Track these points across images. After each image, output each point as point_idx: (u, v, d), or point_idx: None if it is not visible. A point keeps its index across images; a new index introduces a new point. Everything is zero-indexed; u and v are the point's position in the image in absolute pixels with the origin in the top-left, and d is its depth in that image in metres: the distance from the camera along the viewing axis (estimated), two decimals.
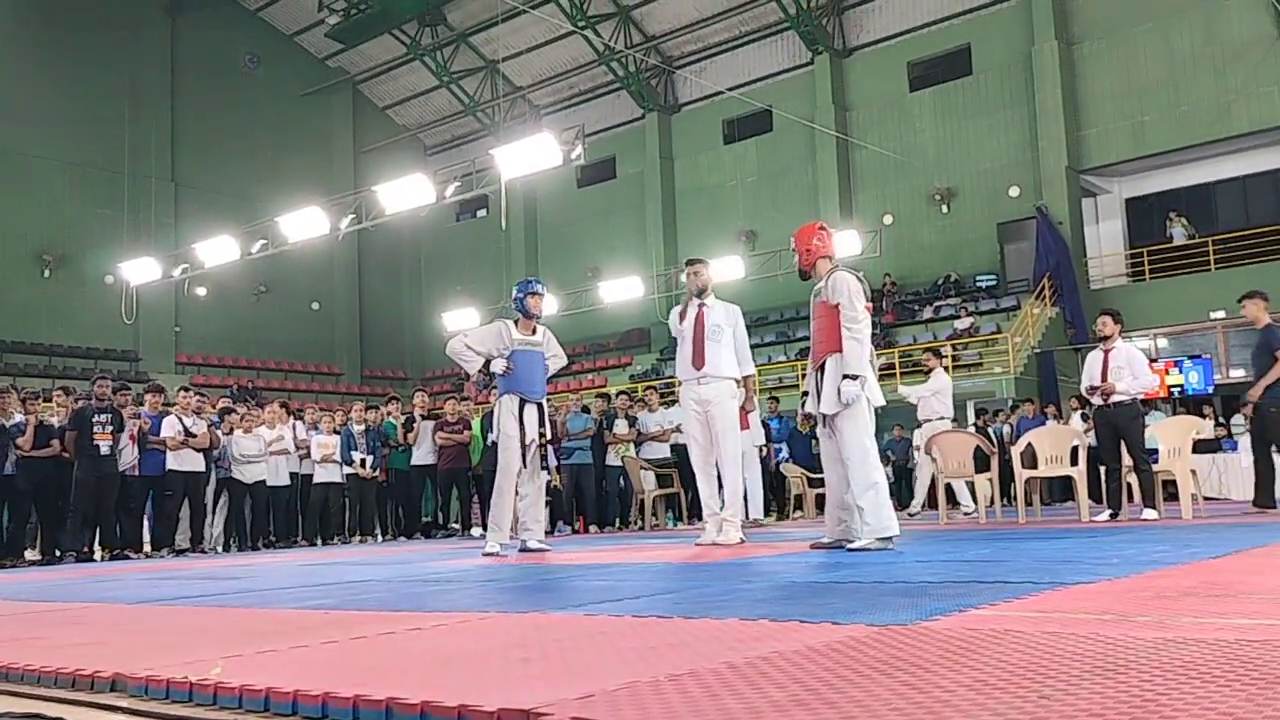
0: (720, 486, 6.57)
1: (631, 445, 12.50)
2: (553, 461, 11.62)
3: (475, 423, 12.34)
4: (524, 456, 6.76)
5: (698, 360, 6.51)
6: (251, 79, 29.40)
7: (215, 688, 1.90)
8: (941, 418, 10.91)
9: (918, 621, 2.28)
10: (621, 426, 12.43)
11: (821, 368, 5.52)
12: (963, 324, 21.64)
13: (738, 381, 6.62)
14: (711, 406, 6.50)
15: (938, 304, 23.09)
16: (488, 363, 6.76)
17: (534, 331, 6.97)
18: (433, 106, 31.90)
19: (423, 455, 12.39)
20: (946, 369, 12.08)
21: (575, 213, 29.94)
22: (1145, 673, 1.57)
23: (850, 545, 5.23)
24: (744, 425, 10.86)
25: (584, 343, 28.06)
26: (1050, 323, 21.10)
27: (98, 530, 10.06)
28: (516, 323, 6.97)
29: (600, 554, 6.45)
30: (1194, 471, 9.29)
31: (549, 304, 23.45)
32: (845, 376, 5.30)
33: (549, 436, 6.97)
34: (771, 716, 1.39)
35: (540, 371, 6.93)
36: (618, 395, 13.38)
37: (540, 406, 6.88)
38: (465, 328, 7.06)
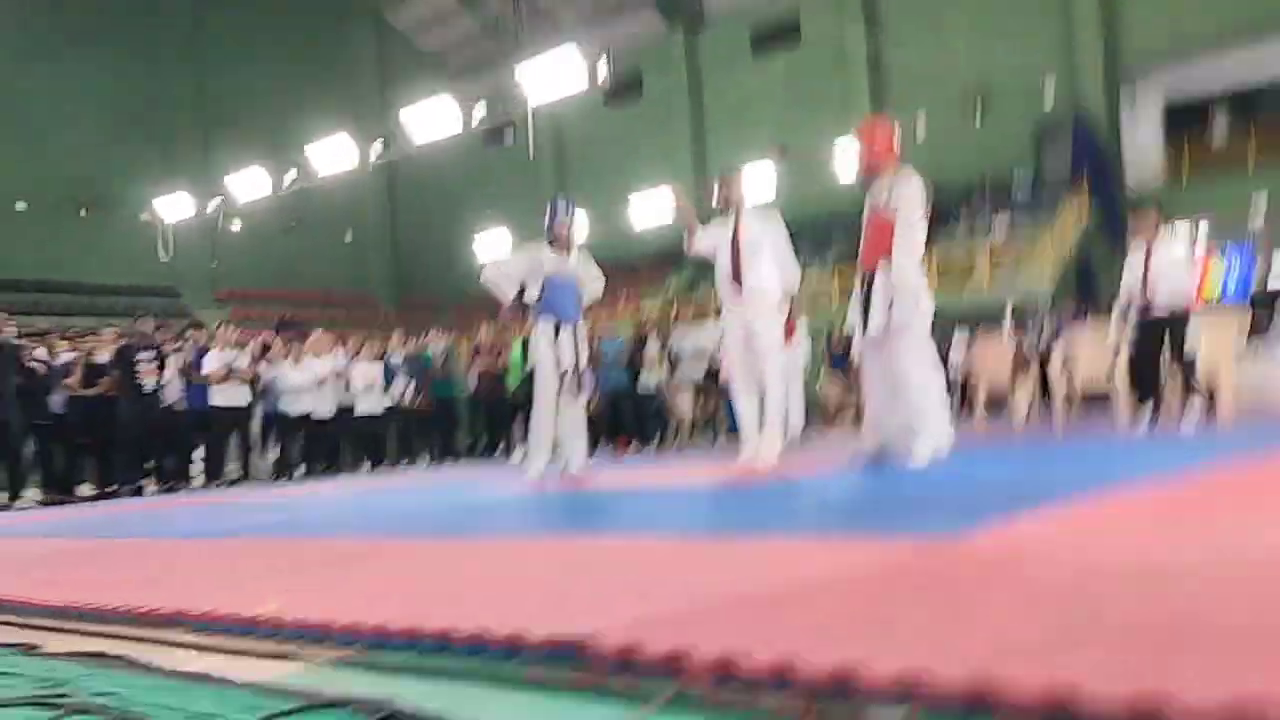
0: (762, 407, 6.52)
1: (665, 365, 12.49)
2: (592, 385, 11.68)
3: (515, 346, 12.39)
4: (561, 382, 6.77)
5: (736, 278, 6.32)
6: (276, 7, 29.06)
7: (274, 621, 1.96)
8: None
9: (961, 534, 2.28)
10: (653, 348, 12.42)
11: (870, 278, 5.35)
12: (1000, 228, 21.28)
13: (786, 297, 6.48)
14: (754, 325, 6.30)
15: (974, 209, 22.71)
16: (522, 290, 6.73)
17: (568, 254, 6.92)
18: (457, 29, 31.42)
19: (469, 383, 12.58)
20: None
21: (603, 134, 29.58)
22: (1190, 583, 1.57)
23: (910, 459, 5.13)
24: (790, 340, 10.87)
25: (617, 266, 27.88)
26: (1088, 226, 20.71)
27: (148, 465, 10.30)
28: (551, 244, 6.93)
29: (641, 476, 6.52)
30: (1233, 377, 9.18)
31: (581, 227, 23.40)
32: (899, 296, 5.17)
33: (586, 361, 6.92)
34: (818, 638, 1.41)
35: (574, 295, 6.82)
36: (649, 317, 13.34)
37: (575, 330, 6.84)
38: (499, 257, 6.94)
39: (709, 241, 6.61)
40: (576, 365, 6.79)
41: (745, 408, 6.51)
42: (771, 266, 6.33)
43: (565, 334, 6.78)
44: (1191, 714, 0.97)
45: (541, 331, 6.79)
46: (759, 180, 22.52)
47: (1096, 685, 1.06)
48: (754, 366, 6.37)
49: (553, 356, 6.73)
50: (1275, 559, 1.72)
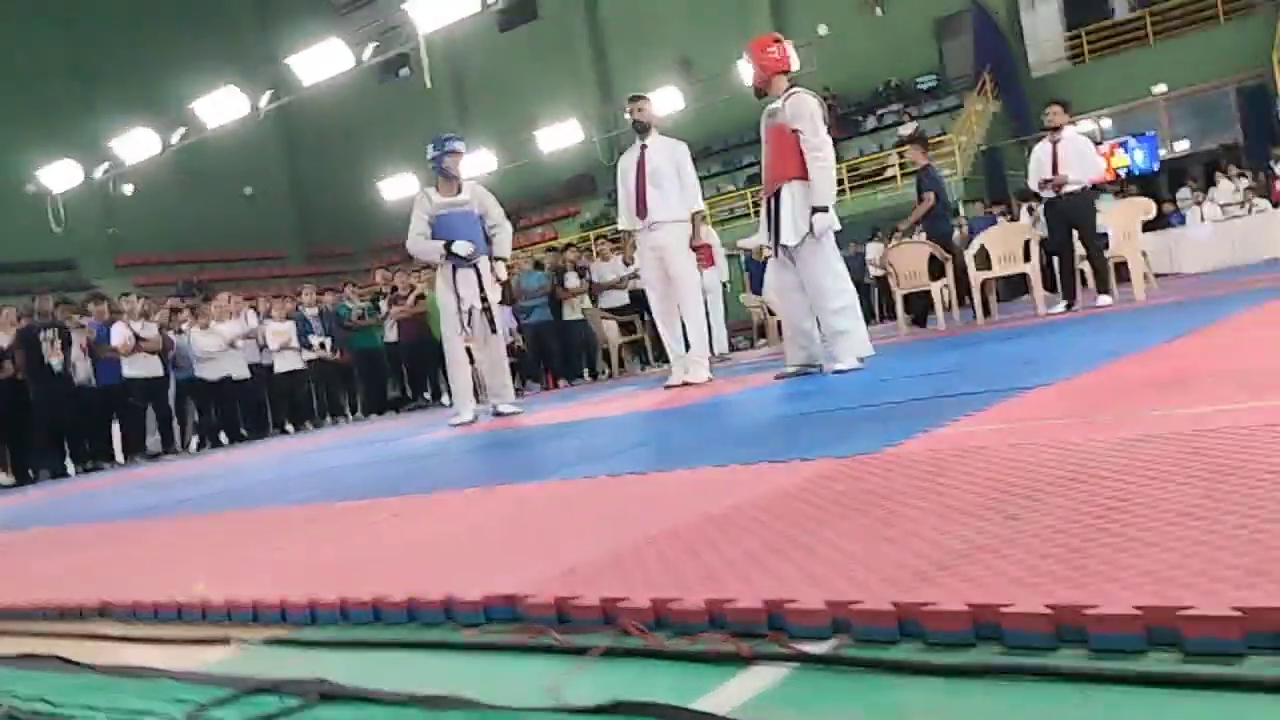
0: (684, 328, 6.57)
1: (587, 297, 12.43)
2: (511, 323, 11.57)
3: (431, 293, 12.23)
4: (463, 323, 6.64)
5: (640, 207, 6.37)
6: None
7: (202, 605, 1.91)
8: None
9: (884, 448, 2.32)
10: (573, 280, 12.32)
11: (777, 195, 5.40)
12: (907, 129, 21.41)
13: (691, 219, 6.50)
14: (664, 251, 6.40)
15: (880, 112, 22.82)
16: (449, 242, 6.53)
17: (458, 191, 6.65)
18: None
19: (391, 333, 12.35)
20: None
21: (501, 60, 28.93)
22: (1106, 477, 1.60)
23: (835, 368, 5.24)
24: (708, 262, 10.89)
25: (529, 197, 27.60)
26: (994, 118, 20.98)
27: (66, 446, 10.01)
28: (437, 186, 6.71)
29: (571, 410, 6.51)
30: (1145, 252, 9.44)
31: (487, 161, 22.95)
32: (815, 209, 5.23)
33: (489, 299, 6.63)
34: (748, 569, 1.41)
35: (469, 232, 6.58)
36: (566, 248, 13.22)
37: (477, 269, 6.60)
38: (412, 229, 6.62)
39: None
40: (484, 302, 6.62)
41: (666, 332, 6.59)
42: (675, 195, 6.36)
43: (464, 273, 6.59)
44: (1111, 622, 0.99)
45: (440, 274, 6.66)
46: (665, 99, 22.26)
47: (1019, 595, 1.08)
48: (669, 292, 6.40)
49: (452, 299, 6.60)
50: (1184, 450, 1.77)
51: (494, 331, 6.72)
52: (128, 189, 24.91)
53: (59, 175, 21.44)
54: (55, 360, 9.53)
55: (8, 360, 9.64)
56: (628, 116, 6.63)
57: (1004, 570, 1.20)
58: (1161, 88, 19.89)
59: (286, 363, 11.81)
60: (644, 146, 6.44)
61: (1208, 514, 1.29)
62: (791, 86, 5.48)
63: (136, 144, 20.36)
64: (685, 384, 6.42)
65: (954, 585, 1.17)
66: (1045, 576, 1.14)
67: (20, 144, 24.22)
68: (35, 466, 9.74)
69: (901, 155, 20.36)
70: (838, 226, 5.37)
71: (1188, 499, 1.38)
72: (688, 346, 6.55)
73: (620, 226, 6.71)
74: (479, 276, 6.59)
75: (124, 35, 26.77)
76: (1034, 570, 1.17)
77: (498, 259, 6.70)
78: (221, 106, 19.01)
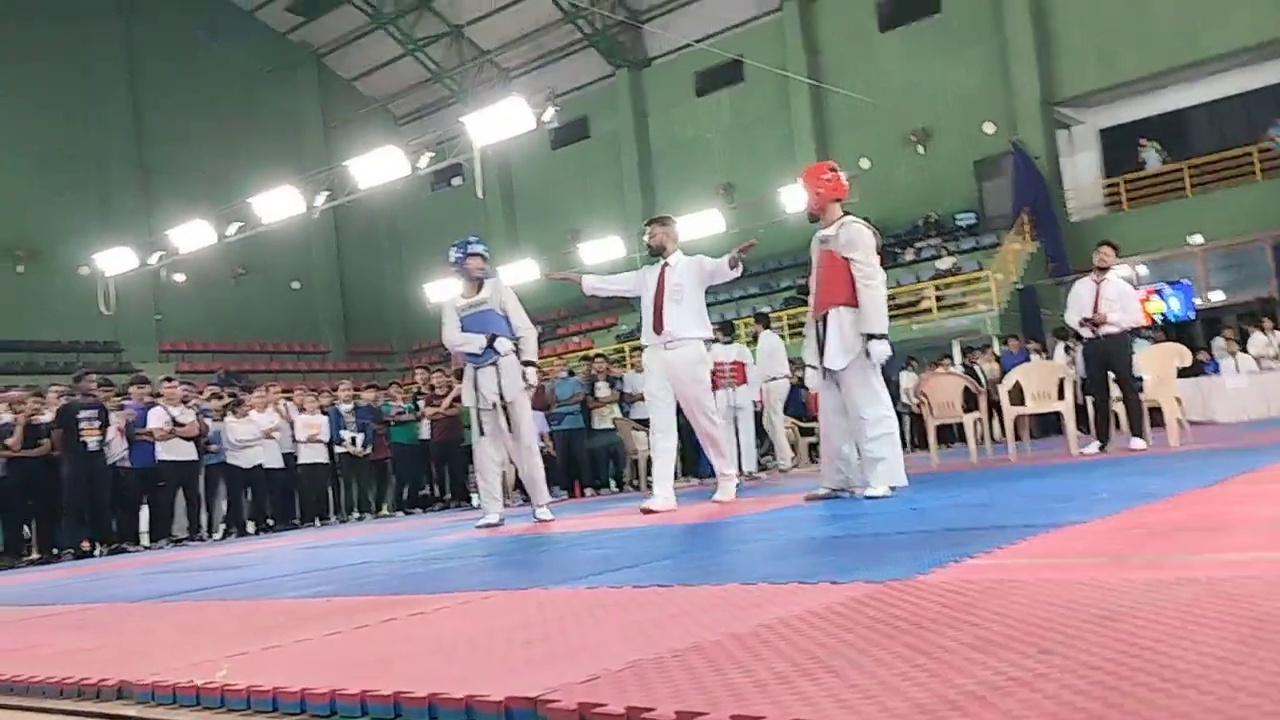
0: (701, 449, 6.46)
1: (617, 407, 12.48)
2: (543, 428, 11.62)
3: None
4: (480, 423, 6.67)
5: (657, 324, 6.25)
6: (214, 59, 28.89)
7: (222, 690, 1.91)
8: (784, 377, 11.34)
9: (916, 576, 2.30)
10: (604, 389, 12.41)
11: (825, 319, 5.45)
12: (944, 264, 21.67)
13: (705, 343, 6.44)
14: (677, 369, 6.23)
15: (919, 245, 23.10)
16: (493, 336, 6.63)
17: (479, 290, 6.76)
18: (400, 76, 31.49)
19: (425, 431, 12.47)
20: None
21: (551, 176, 29.75)
22: (1140, 619, 1.59)
23: (867, 493, 5.22)
24: (740, 380, 10.94)
25: (568, 306, 28.01)
26: (1031, 258, 21.16)
27: (94, 526, 10.05)
28: (463, 283, 6.81)
29: (597, 519, 6.47)
30: (1179, 398, 9.38)
31: (530, 269, 23.39)
32: (870, 336, 5.27)
33: (507, 398, 6.61)
34: (777, 690, 1.40)
35: (493, 330, 6.64)
36: (596, 358, 13.34)
37: (497, 367, 6.63)
38: (447, 327, 6.76)
39: (630, 284, 6.57)
40: (501, 399, 6.64)
41: (661, 449, 6.40)
42: (695, 314, 6.29)
43: (485, 373, 6.64)
44: None
45: (465, 375, 6.76)
46: (707, 221, 22.74)
47: None
48: (671, 411, 6.28)
49: (473, 399, 6.68)
50: (1219, 596, 1.75)
51: (509, 430, 6.70)
52: (179, 277, 25.57)
53: (113, 260, 22.09)
54: (91, 439, 9.65)
55: (46, 438, 9.78)
56: (648, 235, 6.51)
57: (1037, 704, 1.18)
58: (1198, 239, 20.05)
59: (312, 455, 11.90)
60: (665, 264, 6.39)
61: (1243, 660, 1.27)
62: (845, 215, 5.58)
63: (192, 235, 21.01)
64: (651, 510, 6.03)
65: (987, 717, 1.16)
66: (1080, 713, 1.13)
67: (80, 228, 25.05)
68: (60, 546, 9.78)
69: (938, 289, 20.59)
70: (890, 354, 5.40)
71: (1224, 644, 1.36)
72: (702, 469, 6.42)
73: (643, 342, 6.62)
74: (499, 375, 6.63)
75: (189, 131, 27.84)
76: (1068, 705, 1.16)
77: (527, 364, 6.75)
78: (278, 204, 19.64)
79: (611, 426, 12.46)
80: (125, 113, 27.05)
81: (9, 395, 10.41)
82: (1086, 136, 23.26)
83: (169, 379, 11.20)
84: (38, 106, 25.22)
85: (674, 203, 25.73)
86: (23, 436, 9.66)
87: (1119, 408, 8.65)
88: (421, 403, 12.53)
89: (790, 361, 11.92)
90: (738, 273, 6.26)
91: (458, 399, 12.18)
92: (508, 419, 6.68)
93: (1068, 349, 12.91)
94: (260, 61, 29.73)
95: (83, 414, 9.66)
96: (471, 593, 3.11)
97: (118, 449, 10.19)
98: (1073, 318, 8.50)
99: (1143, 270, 21.19)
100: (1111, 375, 8.28)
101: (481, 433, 6.71)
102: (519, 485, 10.09)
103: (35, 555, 10.11)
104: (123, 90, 27.09)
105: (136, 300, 25.10)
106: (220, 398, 11.83)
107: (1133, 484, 4.58)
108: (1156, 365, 8.82)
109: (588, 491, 12.21)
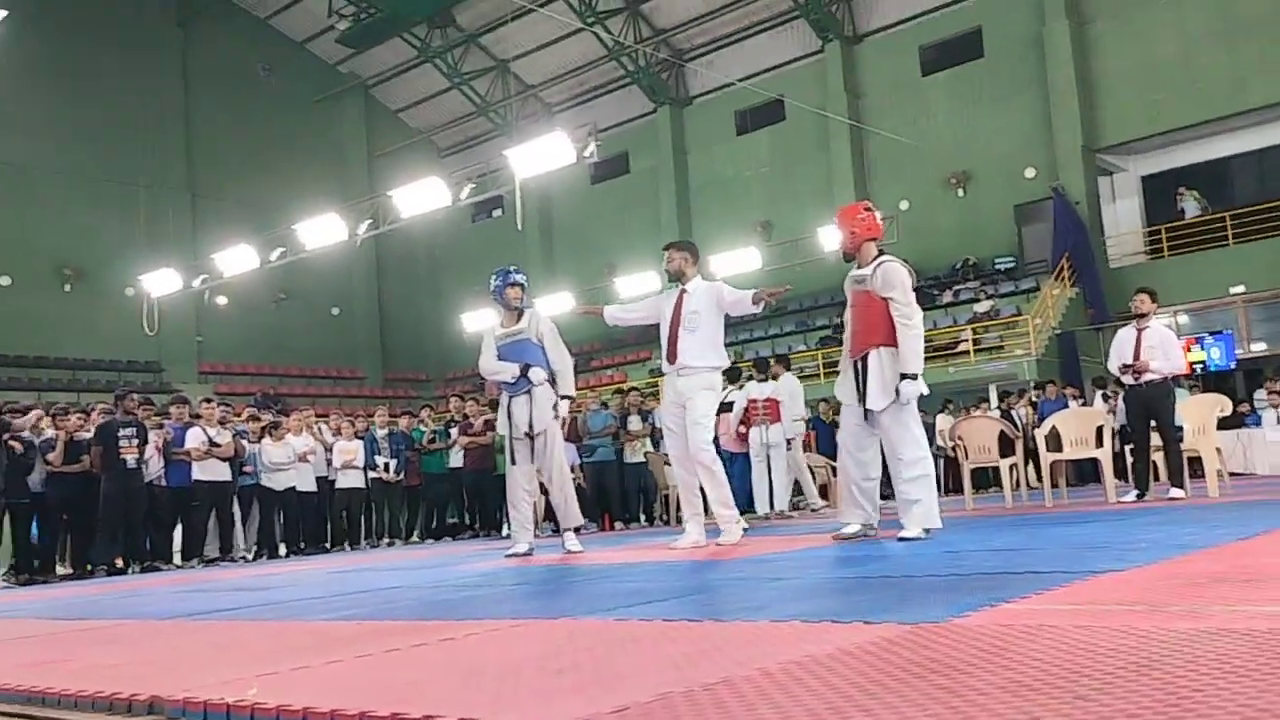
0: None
1: (648, 441, 12.47)
2: (574, 459, 11.62)
3: None
4: (511, 451, 6.70)
5: (671, 352, 6.20)
6: (264, 87, 29.49)
7: (252, 709, 1.92)
8: (801, 418, 11.34)
9: (950, 618, 2.27)
10: (635, 423, 12.41)
11: (864, 359, 5.41)
12: (982, 307, 21.53)
13: (722, 373, 6.38)
14: (686, 399, 6.15)
15: (957, 288, 22.99)
16: (527, 365, 6.68)
17: (519, 319, 6.79)
18: (445, 108, 31.94)
19: (455, 458, 12.51)
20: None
21: (590, 210, 29.97)
22: (1178, 668, 1.56)
23: (900, 535, 5.16)
24: (774, 417, 10.89)
25: (602, 339, 28.09)
26: (1070, 303, 20.97)
27: (127, 543, 10.16)
28: (501, 312, 6.86)
29: (627, 553, 6.46)
30: (1219, 449, 9.24)
31: (567, 301, 23.51)
32: (904, 376, 5.25)
33: (536, 427, 6.61)
34: None
35: (530, 360, 6.67)
36: (630, 391, 13.34)
37: (530, 396, 6.65)
38: (485, 354, 6.83)
39: (648, 311, 6.55)
40: (531, 428, 6.65)
41: (681, 485, 6.34)
42: (709, 342, 6.21)
43: (518, 402, 6.68)
44: None
45: (500, 402, 6.80)
46: (744, 259, 22.80)
47: None
48: (686, 441, 6.16)
49: (506, 428, 6.71)
50: (1259, 648, 1.72)
51: (546, 457, 6.67)
52: (221, 300, 25.96)
53: (159, 281, 22.49)
54: (130, 457, 9.78)
55: (86, 454, 9.92)
56: (666, 262, 6.45)
57: None
58: (1240, 289, 19.81)
59: (348, 481, 11.99)
60: (683, 291, 6.36)
61: None
62: (880, 254, 5.56)
63: (236, 259, 21.36)
64: (695, 547, 6.00)
65: None
66: None
67: (129, 249, 25.54)
68: (94, 562, 9.88)
69: (976, 332, 20.44)
70: (925, 392, 5.36)
71: (1265, 697, 1.34)
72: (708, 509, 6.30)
73: (663, 369, 6.56)
74: (531, 405, 6.65)
75: (237, 157, 28.39)
76: None
77: (564, 397, 6.75)
78: (321, 231, 19.94)
79: (643, 460, 12.45)
80: (177, 137, 27.63)
81: (53, 408, 10.58)
82: (1128, 183, 23.11)
83: (207, 400, 11.34)
84: (93, 127, 25.81)
85: (711, 239, 25.78)
86: (64, 452, 9.81)
87: (1158, 457, 8.54)
88: (454, 430, 12.58)
89: (824, 400, 11.87)
90: (759, 309, 6.22)
91: (491, 425, 12.23)
92: (535, 448, 6.69)
93: (1106, 397, 12.77)
94: (309, 91, 30.29)
95: (122, 432, 9.80)
96: (501, 620, 3.11)
97: (155, 467, 10.32)
98: (1114, 365, 8.43)
99: (1183, 319, 20.95)
100: (1153, 424, 8.17)
101: (513, 461, 6.74)
102: (549, 516, 10.09)
103: (68, 570, 10.22)
104: (176, 114, 27.69)
105: (179, 322, 25.51)
106: (259, 419, 11.95)
107: (1171, 534, 4.51)
108: (1197, 415, 8.69)
109: (617, 525, 12.18)
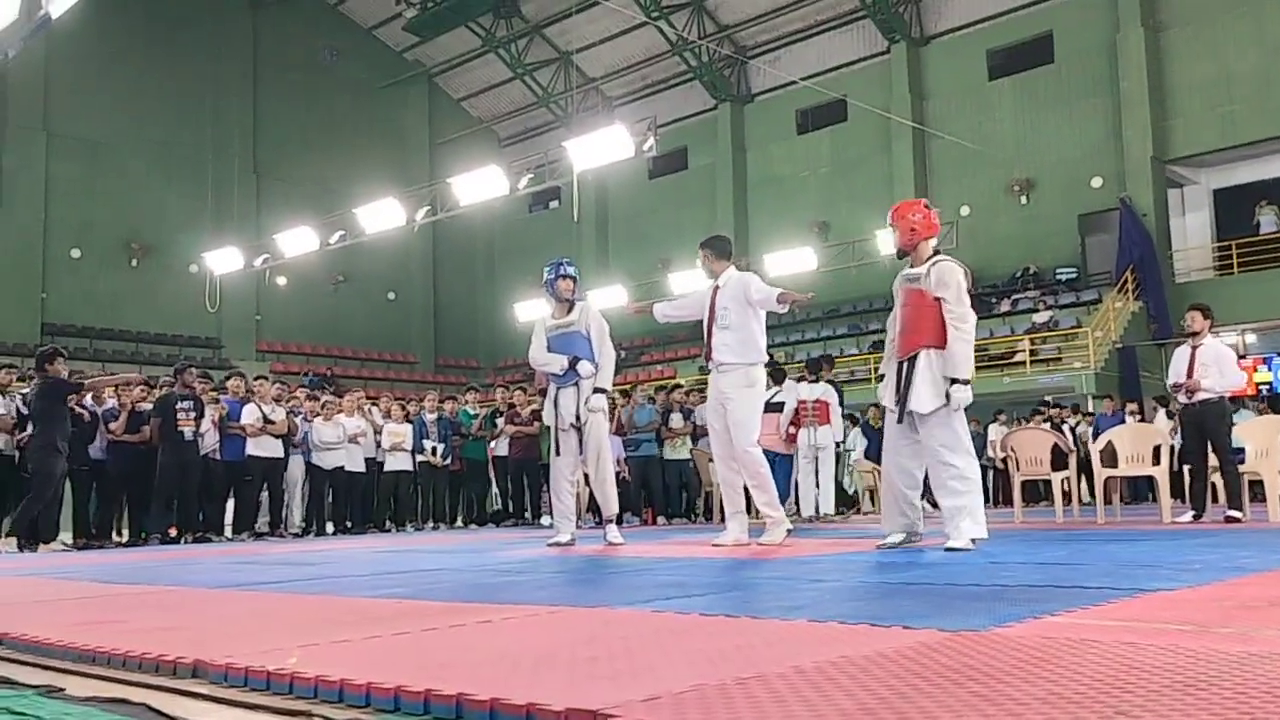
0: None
1: (689, 438, 12.44)
2: (620, 453, 11.64)
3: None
4: (558, 442, 6.72)
5: (707, 351, 6.19)
6: (330, 72, 29.92)
7: (291, 677, 1.95)
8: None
9: (991, 628, 2.24)
10: (677, 420, 12.39)
11: (911, 360, 5.23)
12: (1041, 317, 21.18)
13: (764, 368, 6.32)
14: (725, 398, 6.10)
15: (1016, 297, 22.64)
16: (575, 359, 6.71)
17: (569, 311, 6.82)
18: (507, 98, 32.13)
19: (501, 446, 12.59)
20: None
21: (647, 204, 29.97)
22: (1226, 690, 1.53)
23: (947, 545, 5.02)
24: (824, 420, 10.82)
25: (653, 334, 28.10)
26: (1133, 317, 20.54)
27: (181, 513, 10.37)
28: (553, 303, 6.90)
29: (667, 547, 6.46)
30: None
31: (619, 294, 23.56)
32: (954, 381, 5.08)
33: (582, 418, 6.63)
34: None
35: (579, 352, 6.69)
36: (673, 389, 13.33)
37: (577, 388, 6.67)
38: (534, 345, 6.89)
39: (694, 308, 6.51)
40: (577, 419, 6.66)
41: (724, 482, 6.29)
42: (743, 337, 6.13)
43: (565, 393, 6.70)
44: None
45: (548, 392, 6.83)
46: (799, 259, 22.64)
47: None
48: (730, 440, 6.11)
49: (552, 419, 6.74)
50: None
51: (590, 450, 6.69)
52: (281, 280, 26.40)
53: (222, 260, 22.95)
54: (187, 429, 9.98)
55: (146, 425, 10.15)
56: (701, 259, 6.47)
57: None
58: None
59: (397, 463, 12.11)
60: (716, 287, 6.31)
61: None
62: (936, 253, 5.43)
63: (297, 240, 21.72)
64: (737, 545, 5.96)
65: None
66: None
67: (195, 228, 26.08)
68: (148, 530, 10.10)
69: (1033, 342, 20.11)
70: (971, 400, 5.22)
71: None
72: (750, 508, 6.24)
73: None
74: (578, 396, 6.68)
75: (302, 139, 28.85)
76: None
77: (598, 390, 6.72)
78: (381, 216, 20.19)
79: (684, 457, 12.43)
80: (245, 117, 28.13)
81: (119, 377, 10.82)
82: (1199, 196, 22.57)
83: (263, 377, 11.52)
84: (164, 106, 26.38)
85: (767, 237, 25.68)
86: (126, 422, 10.04)
87: (1217, 478, 8.34)
88: (500, 420, 12.66)
89: (874, 405, 11.76)
90: (784, 309, 6.22)
91: (538, 415, 12.30)
92: (581, 439, 6.72)
93: (1170, 414, 12.51)
94: (374, 77, 30.65)
95: (180, 405, 10.00)
96: (539, 606, 3.13)
97: (210, 441, 10.51)
98: (1170, 382, 8.27)
99: (1251, 339, 20.43)
100: (1209, 444, 7.99)
101: (558, 452, 6.77)
102: (591, 508, 10.12)
103: (124, 537, 10.46)
104: (244, 96, 28.18)
105: (239, 300, 25.99)
106: (316, 399, 12.12)
107: (1226, 555, 4.40)
108: (1260, 437, 8.48)
109: (660, 519, 12.19)
